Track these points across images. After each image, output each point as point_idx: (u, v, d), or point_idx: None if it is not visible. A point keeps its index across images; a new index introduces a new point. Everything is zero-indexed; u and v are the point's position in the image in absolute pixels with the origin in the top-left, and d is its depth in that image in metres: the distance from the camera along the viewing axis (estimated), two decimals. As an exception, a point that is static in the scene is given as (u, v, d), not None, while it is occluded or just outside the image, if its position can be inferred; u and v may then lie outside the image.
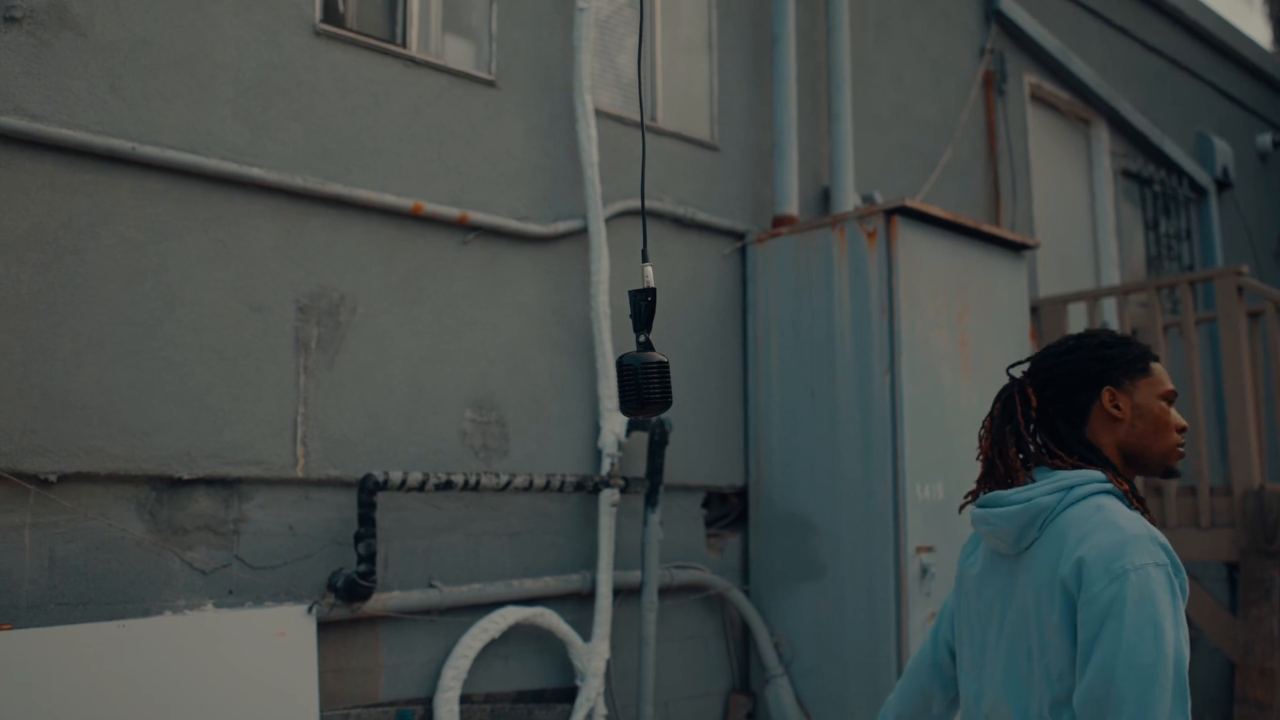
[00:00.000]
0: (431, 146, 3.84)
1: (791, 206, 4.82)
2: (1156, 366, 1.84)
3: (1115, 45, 7.69)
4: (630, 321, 1.90)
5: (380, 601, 3.47)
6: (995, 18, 6.53)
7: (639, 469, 4.22)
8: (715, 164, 4.79)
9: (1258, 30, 24.64)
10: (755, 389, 4.68)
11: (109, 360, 3.08)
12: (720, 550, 4.60)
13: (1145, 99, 7.81)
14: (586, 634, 4.00)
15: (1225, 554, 4.87)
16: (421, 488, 3.52)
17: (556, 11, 4.28)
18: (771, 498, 4.56)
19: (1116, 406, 1.80)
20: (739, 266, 4.80)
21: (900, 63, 5.88)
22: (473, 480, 3.65)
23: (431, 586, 3.66)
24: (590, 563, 4.08)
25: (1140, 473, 1.83)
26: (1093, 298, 5.51)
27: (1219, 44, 8.72)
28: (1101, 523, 1.64)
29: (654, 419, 4.09)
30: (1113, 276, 7.20)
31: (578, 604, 4.04)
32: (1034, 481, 1.77)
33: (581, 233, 4.20)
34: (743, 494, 4.71)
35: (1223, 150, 8.35)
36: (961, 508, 1.93)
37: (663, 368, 1.80)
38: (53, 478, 2.95)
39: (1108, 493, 1.72)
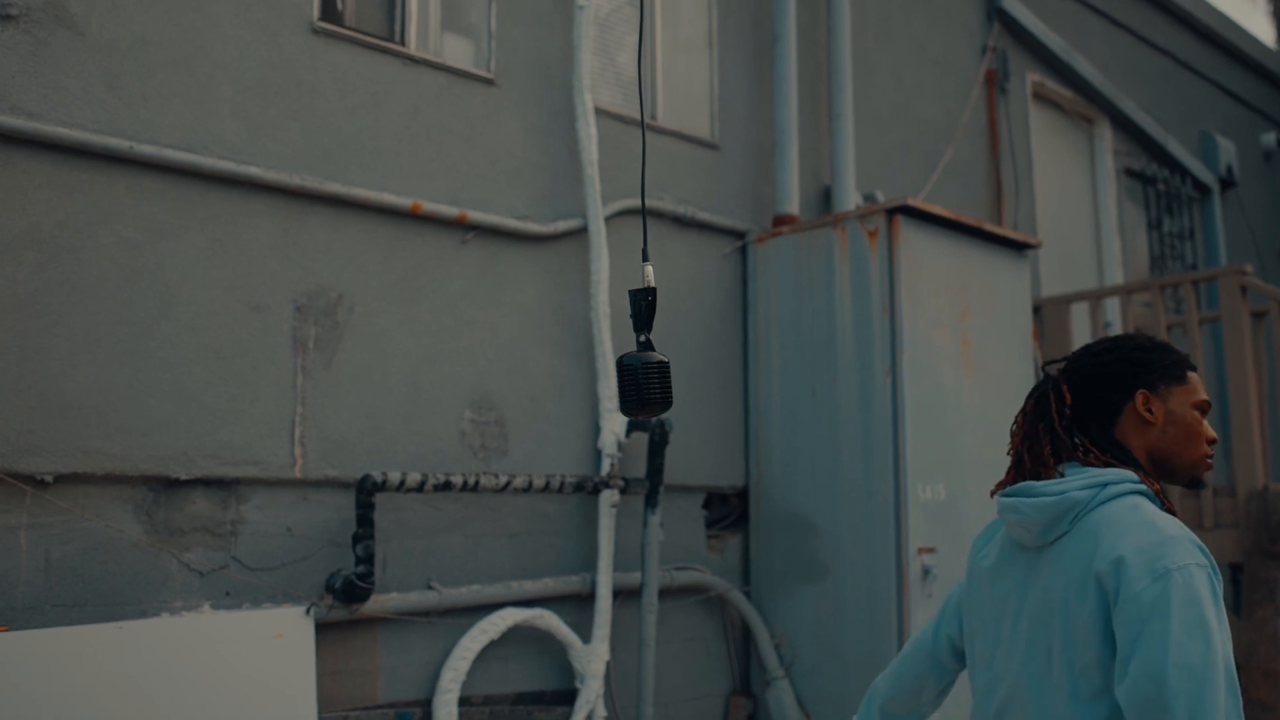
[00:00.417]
0: (430, 145, 3.82)
1: (792, 205, 4.80)
2: (1193, 376, 1.85)
3: (1119, 43, 7.66)
4: (630, 321, 1.89)
5: (379, 603, 3.46)
6: (997, 16, 6.51)
7: (639, 469, 4.21)
8: (716, 163, 4.77)
9: (1262, 28, 24.61)
10: (756, 389, 4.66)
11: (106, 360, 3.06)
12: (720, 551, 4.59)
13: (1149, 97, 7.79)
14: (586, 636, 3.99)
15: (1229, 555, 4.85)
16: (420, 488, 3.51)
17: (556, 9, 4.26)
18: (772, 498, 4.54)
19: (1149, 410, 1.80)
20: (739, 266, 4.78)
21: (901, 61, 5.86)
22: (472, 481, 3.64)
23: (430, 588, 3.64)
24: (590, 564, 4.06)
25: (1166, 480, 1.83)
26: (1095, 297, 5.49)
27: (1223, 42, 8.69)
28: (1139, 521, 1.64)
29: (654, 419, 4.07)
30: (1116, 276, 7.17)
31: (577, 605, 4.02)
32: (1063, 476, 1.77)
33: (581, 232, 4.18)
34: (743, 494, 4.69)
35: (1226, 149, 8.33)
36: (993, 493, 1.91)
37: (663, 368, 1.78)
38: (49, 478, 2.94)
39: (1140, 492, 1.72)
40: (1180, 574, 1.56)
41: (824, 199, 5.23)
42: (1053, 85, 6.96)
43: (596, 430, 4.15)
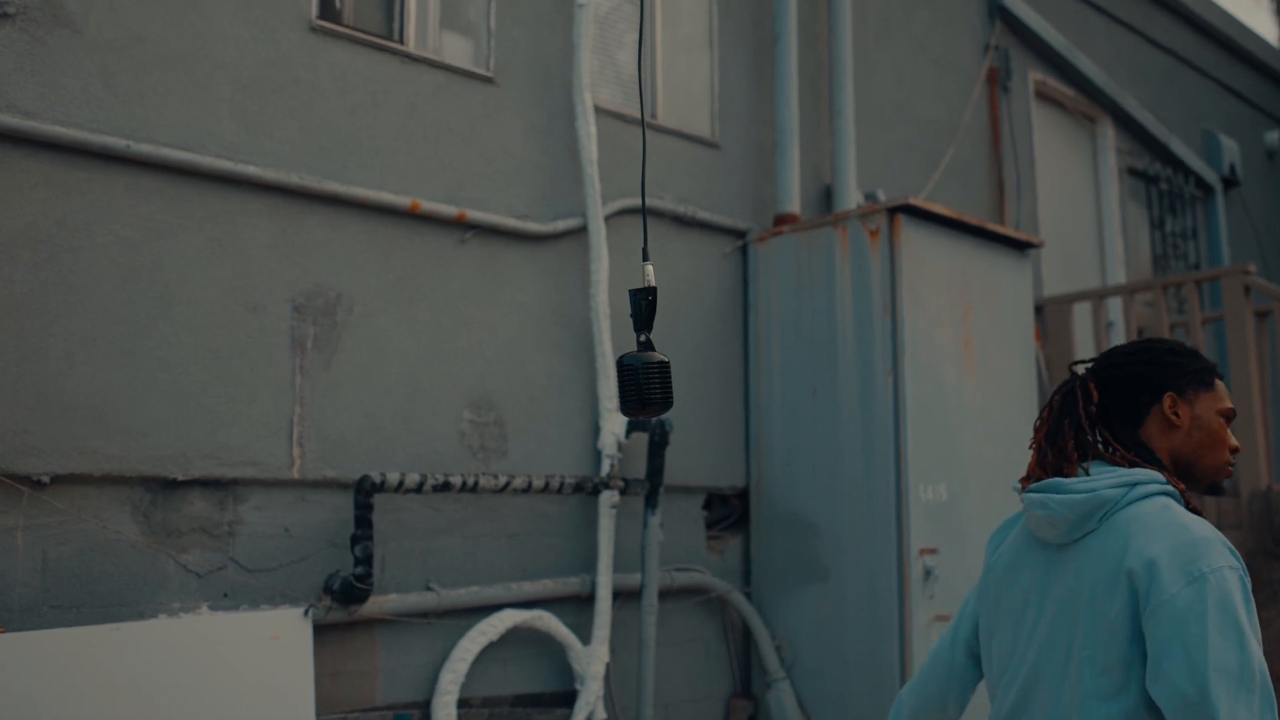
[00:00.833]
0: (429, 144, 3.81)
1: (793, 205, 4.79)
2: (1220, 384, 1.88)
3: (1121, 42, 7.64)
4: (630, 321, 1.88)
5: (377, 604, 3.44)
6: (999, 14, 6.49)
7: (639, 470, 4.19)
8: (716, 162, 4.75)
9: (1265, 27, 24.59)
10: (756, 389, 4.65)
11: (103, 360, 3.05)
12: (721, 552, 4.57)
13: (1151, 96, 7.76)
14: (586, 637, 3.97)
15: (1231, 555, 4.83)
16: (419, 489, 3.49)
17: (556, 8, 4.24)
18: (773, 499, 4.52)
19: (1176, 413, 1.82)
20: (740, 265, 4.77)
21: (902, 60, 5.84)
22: (471, 481, 3.62)
23: (429, 589, 3.63)
24: (589, 565, 4.05)
25: (1187, 484, 1.84)
26: (1098, 297, 5.47)
27: (1226, 41, 8.67)
28: (1170, 522, 1.65)
29: (654, 419, 4.06)
30: (1118, 275, 7.15)
31: (577, 607, 4.01)
32: (1088, 474, 1.77)
33: (581, 231, 4.17)
34: (744, 495, 4.67)
35: (1229, 148, 8.30)
36: (1024, 483, 1.91)
37: (663, 368, 1.78)
38: (46, 479, 2.92)
39: (1168, 493, 1.74)
40: (1214, 577, 1.58)
41: (825, 198, 5.22)
42: (1055, 84, 6.93)
43: (596, 430, 4.14)
